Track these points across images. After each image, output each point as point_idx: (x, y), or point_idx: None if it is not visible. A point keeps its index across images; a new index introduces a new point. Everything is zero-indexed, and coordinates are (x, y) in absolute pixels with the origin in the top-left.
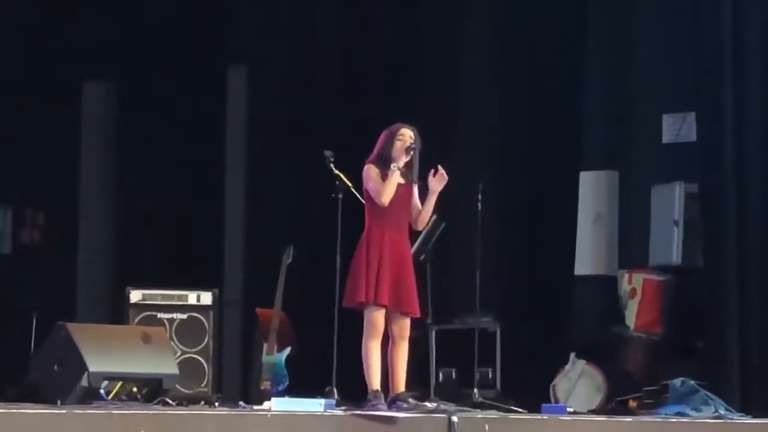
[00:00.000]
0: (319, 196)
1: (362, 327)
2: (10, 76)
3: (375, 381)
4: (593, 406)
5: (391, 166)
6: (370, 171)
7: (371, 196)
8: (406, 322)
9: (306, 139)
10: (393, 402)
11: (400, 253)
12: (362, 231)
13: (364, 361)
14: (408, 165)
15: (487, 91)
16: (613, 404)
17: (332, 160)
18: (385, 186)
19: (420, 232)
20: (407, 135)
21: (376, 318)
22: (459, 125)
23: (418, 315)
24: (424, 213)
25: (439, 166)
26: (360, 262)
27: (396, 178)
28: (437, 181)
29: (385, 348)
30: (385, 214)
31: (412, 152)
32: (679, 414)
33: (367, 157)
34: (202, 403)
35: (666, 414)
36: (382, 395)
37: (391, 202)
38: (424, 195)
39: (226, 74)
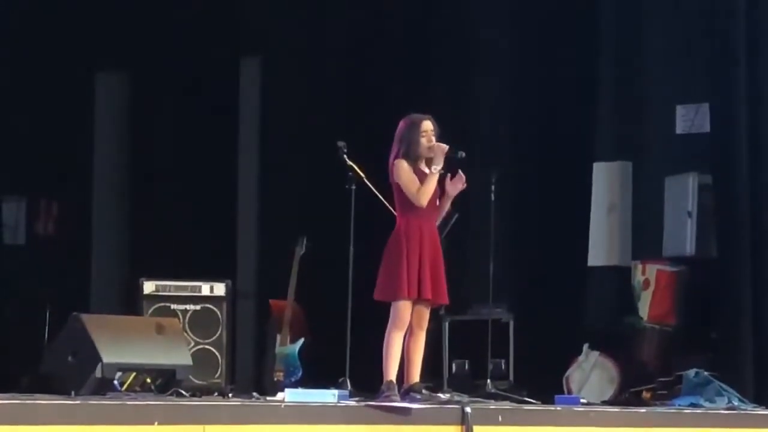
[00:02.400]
0: (333, 187)
1: (376, 318)
2: (23, 67)
3: (392, 372)
4: (606, 397)
5: (432, 168)
6: (402, 167)
7: (406, 194)
8: (427, 313)
9: (319, 129)
10: (406, 393)
11: (435, 244)
12: (377, 221)
13: (384, 350)
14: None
15: (501, 82)
16: (626, 395)
17: (345, 151)
18: (424, 189)
19: None
20: (430, 130)
21: (405, 310)
22: (472, 116)
23: (447, 302)
24: (440, 211)
25: (460, 171)
26: (399, 256)
27: (435, 181)
28: (453, 186)
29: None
30: (420, 208)
31: (449, 157)
32: (692, 405)
33: (382, 147)
34: (216, 393)
35: (679, 405)
36: (396, 386)
37: None
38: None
39: (238, 64)
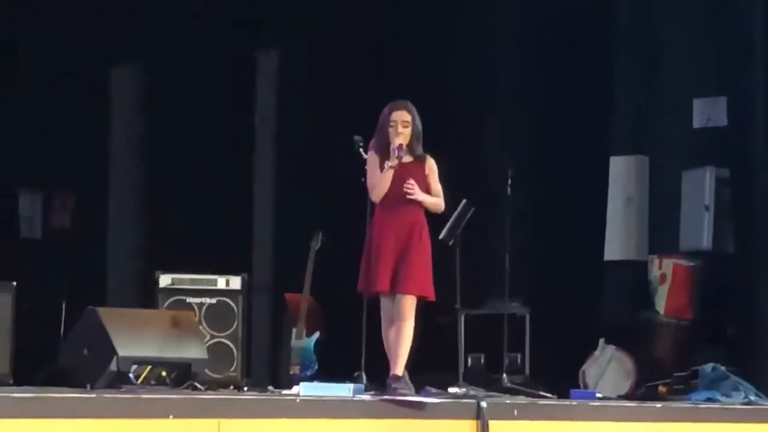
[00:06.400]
0: (348, 181)
1: None
2: (37, 60)
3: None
4: (622, 392)
5: (385, 164)
6: (369, 160)
7: None
8: (403, 302)
9: (335, 124)
10: (388, 385)
11: (404, 233)
12: None
13: (385, 347)
14: (413, 141)
15: (518, 76)
16: (642, 390)
17: (362, 145)
18: (376, 185)
19: (449, 217)
20: (400, 121)
21: (383, 303)
22: (489, 110)
23: (414, 294)
24: (428, 202)
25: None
26: (364, 249)
27: (389, 177)
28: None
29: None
30: (385, 198)
31: (399, 159)
32: (709, 400)
33: None
34: (231, 387)
35: (696, 400)
36: (402, 379)
37: (393, 182)
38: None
39: (255, 59)
